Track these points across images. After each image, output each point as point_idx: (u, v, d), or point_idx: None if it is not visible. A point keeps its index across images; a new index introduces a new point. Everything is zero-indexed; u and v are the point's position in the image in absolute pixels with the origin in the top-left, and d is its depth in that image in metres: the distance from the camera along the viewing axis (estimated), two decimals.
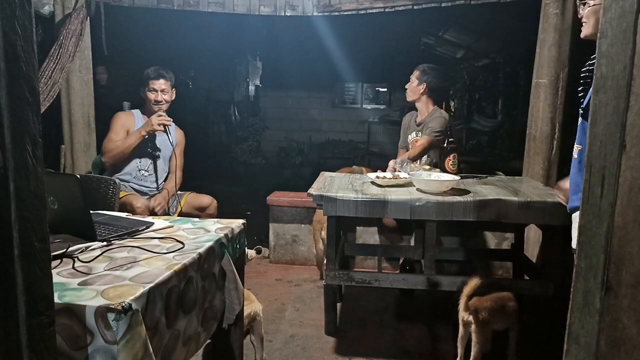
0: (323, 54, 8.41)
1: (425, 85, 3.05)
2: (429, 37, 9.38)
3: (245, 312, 1.97)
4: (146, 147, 2.87)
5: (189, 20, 5.61)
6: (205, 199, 2.98)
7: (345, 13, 3.24)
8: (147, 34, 5.74)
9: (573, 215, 1.76)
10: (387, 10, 3.16)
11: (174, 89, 2.94)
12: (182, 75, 8.59)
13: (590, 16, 1.74)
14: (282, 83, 9.84)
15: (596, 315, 0.85)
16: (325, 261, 2.50)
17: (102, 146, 2.80)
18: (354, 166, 3.57)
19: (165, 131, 2.79)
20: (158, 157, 2.93)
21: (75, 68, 3.08)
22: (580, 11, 1.81)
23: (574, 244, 1.76)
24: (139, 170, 2.87)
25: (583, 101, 1.73)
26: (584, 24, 1.80)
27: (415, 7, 3.13)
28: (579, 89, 1.83)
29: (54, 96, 2.91)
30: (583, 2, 1.80)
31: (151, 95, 2.85)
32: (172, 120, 2.79)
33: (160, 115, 2.72)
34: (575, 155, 1.79)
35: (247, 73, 12.10)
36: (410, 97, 3.12)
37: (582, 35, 1.83)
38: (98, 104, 3.27)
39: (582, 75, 1.78)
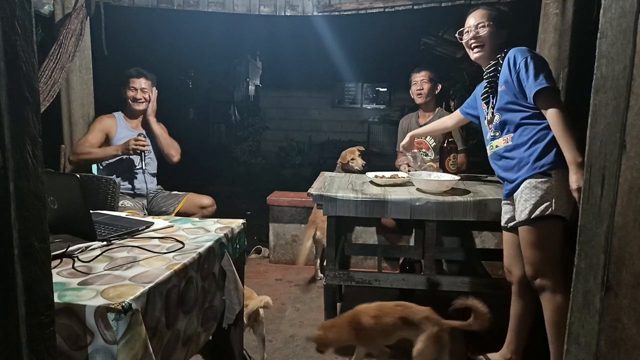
0: (323, 54, 8.40)
1: (441, 85, 3.06)
2: (429, 37, 9.36)
3: (249, 308, 1.97)
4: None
5: (188, 20, 5.61)
6: (206, 199, 2.98)
7: (345, 13, 3.24)
8: (147, 34, 5.73)
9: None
10: (387, 10, 3.15)
11: (155, 90, 2.98)
12: (182, 75, 8.59)
13: (485, 41, 2.01)
14: (282, 83, 9.84)
15: (596, 315, 0.85)
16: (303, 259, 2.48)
17: (75, 144, 2.80)
18: (337, 168, 3.52)
19: (139, 155, 2.78)
20: (149, 151, 2.93)
21: (75, 68, 3.08)
22: (468, 39, 2.04)
23: (503, 221, 2.04)
24: (135, 169, 2.88)
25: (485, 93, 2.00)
26: (475, 50, 2.05)
27: (415, 7, 3.13)
28: (482, 96, 2.03)
29: (54, 96, 2.91)
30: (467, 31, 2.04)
31: (130, 93, 2.90)
32: (150, 147, 2.82)
33: (138, 140, 2.74)
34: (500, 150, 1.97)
35: (247, 73, 12.10)
36: (423, 99, 3.07)
37: (473, 58, 2.10)
38: (98, 104, 3.27)
39: (485, 79, 2.01)
